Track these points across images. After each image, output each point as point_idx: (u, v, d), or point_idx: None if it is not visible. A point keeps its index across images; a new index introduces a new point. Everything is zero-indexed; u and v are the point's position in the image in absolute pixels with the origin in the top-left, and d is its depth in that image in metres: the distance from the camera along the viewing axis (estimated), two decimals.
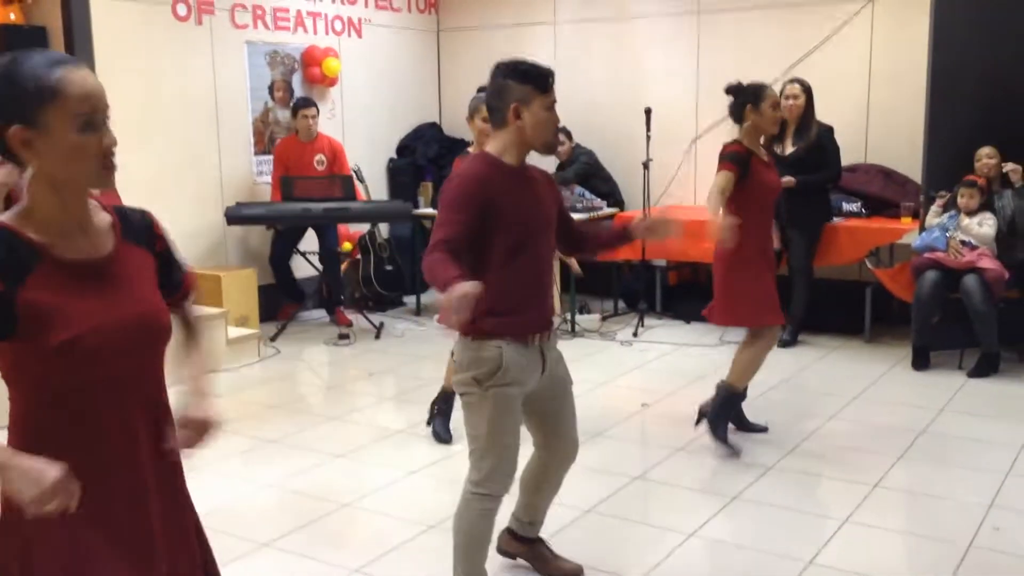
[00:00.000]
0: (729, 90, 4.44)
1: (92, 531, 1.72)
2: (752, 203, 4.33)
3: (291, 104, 7.12)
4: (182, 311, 2.03)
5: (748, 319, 4.48)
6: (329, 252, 7.10)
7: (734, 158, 4.29)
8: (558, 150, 7.46)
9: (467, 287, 2.42)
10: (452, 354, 3.08)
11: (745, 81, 4.42)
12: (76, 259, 1.72)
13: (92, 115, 1.67)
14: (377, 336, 6.81)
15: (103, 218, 1.81)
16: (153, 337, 1.81)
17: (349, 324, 7.00)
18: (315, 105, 7.02)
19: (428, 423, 4.78)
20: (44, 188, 1.70)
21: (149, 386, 1.83)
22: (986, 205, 5.67)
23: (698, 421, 4.63)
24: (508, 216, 2.84)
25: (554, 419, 3.12)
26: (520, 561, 3.39)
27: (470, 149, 4.48)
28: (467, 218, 2.78)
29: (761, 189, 4.38)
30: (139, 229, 1.87)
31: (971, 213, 5.66)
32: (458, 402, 3.10)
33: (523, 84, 2.85)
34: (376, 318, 7.34)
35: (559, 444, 3.16)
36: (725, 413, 4.55)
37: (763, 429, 4.68)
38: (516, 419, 2.95)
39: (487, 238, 2.82)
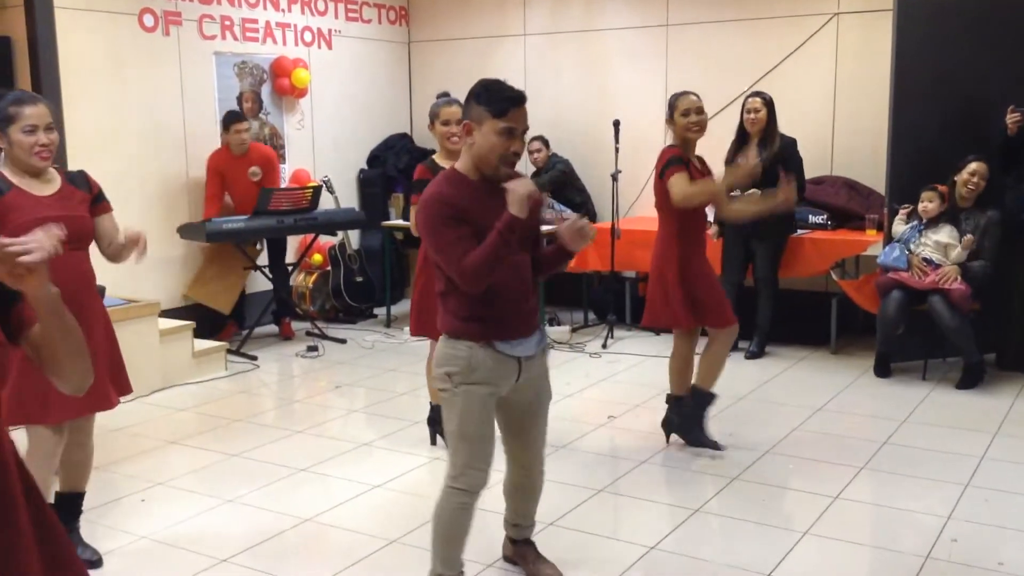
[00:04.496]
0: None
1: None
2: (695, 212, 4.41)
3: (221, 118, 6.86)
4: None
5: (722, 320, 4.51)
6: (279, 263, 7.14)
7: (677, 160, 4.33)
8: (534, 157, 7.53)
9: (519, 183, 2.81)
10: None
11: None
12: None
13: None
14: (311, 348, 6.80)
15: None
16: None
17: (291, 336, 7.13)
18: (246, 119, 6.92)
19: (433, 442, 4.78)
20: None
21: None
22: (950, 218, 5.72)
23: (668, 437, 4.70)
24: (475, 227, 2.85)
25: (521, 432, 3.18)
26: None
27: (435, 156, 4.49)
28: (459, 231, 2.82)
29: None
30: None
31: (932, 222, 5.72)
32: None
33: (479, 104, 2.86)
34: (345, 330, 7.35)
35: (523, 457, 3.23)
36: (697, 416, 4.62)
37: (718, 447, 4.67)
38: (486, 417, 2.99)
39: None
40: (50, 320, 1.79)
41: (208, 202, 6.83)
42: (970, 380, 5.63)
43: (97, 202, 3.48)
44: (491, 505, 3.15)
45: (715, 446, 4.60)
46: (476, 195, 2.89)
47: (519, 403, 3.11)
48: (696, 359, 4.68)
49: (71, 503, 3.59)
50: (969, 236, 5.63)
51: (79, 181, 3.46)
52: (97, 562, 3.52)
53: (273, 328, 7.31)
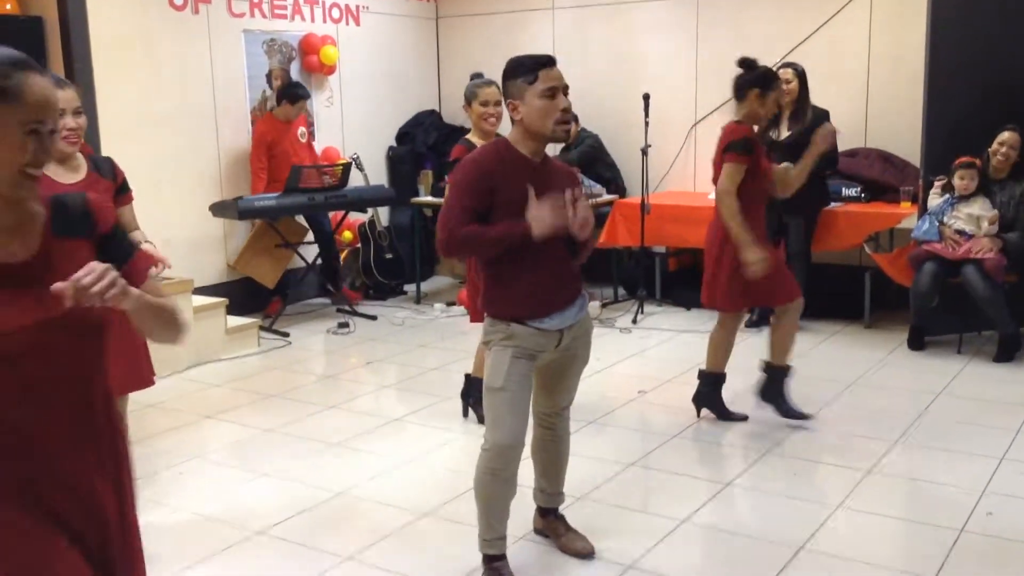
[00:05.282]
0: (742, 63, 4.33)
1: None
2: (757, 191, 4.33)
3: (290, 90, 6.99)
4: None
5: (783, 296, 4.50)
6: (326, 234, 7.19)
7: (746, 147, 4.21)
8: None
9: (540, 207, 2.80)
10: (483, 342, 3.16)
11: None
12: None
13: (40, 124, 1.63)
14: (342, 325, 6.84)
15: (38, 212, 1.73)
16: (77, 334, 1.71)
17: (360, 299, 7.42)
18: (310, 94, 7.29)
19: (464, 415, 4.83)
20: None
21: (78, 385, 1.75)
22: (983, 190, 5.63)
23: (699, 411, 4.74)
24: (507, 203, 2.87)
25: (549, 386, 3.22)
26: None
27: (469, 136, 4.48)
28: (473, 203, 2.87)
29: (765, 175, 4.37)
30: (73, 219, 1.77)
31: (966, 197, 5.63)
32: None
33: (514, 79, 2.93)
34: (375, 306, 7.39)
35: (548, 412, 3.28)
36: (778, 390, 4.65)
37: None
38: (519, 383, 2.99)
39: (491, 222, 2.89)
40: (142, 315, 1.75)
41: (255, 175, 6.91)
42: (1006, 353, 5.56)
43: (121, 192, 3.47)
44: (521, 478, 3.16)
45: (803, 416, 4.61)
46: (517, 167, 2.92)
47: (556, 361, 3.13)
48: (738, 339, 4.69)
49: None
50: (995, 212, 5.55)
51: (105, 169, 3.44)
52: None
53: (304, 306, 7.36)
